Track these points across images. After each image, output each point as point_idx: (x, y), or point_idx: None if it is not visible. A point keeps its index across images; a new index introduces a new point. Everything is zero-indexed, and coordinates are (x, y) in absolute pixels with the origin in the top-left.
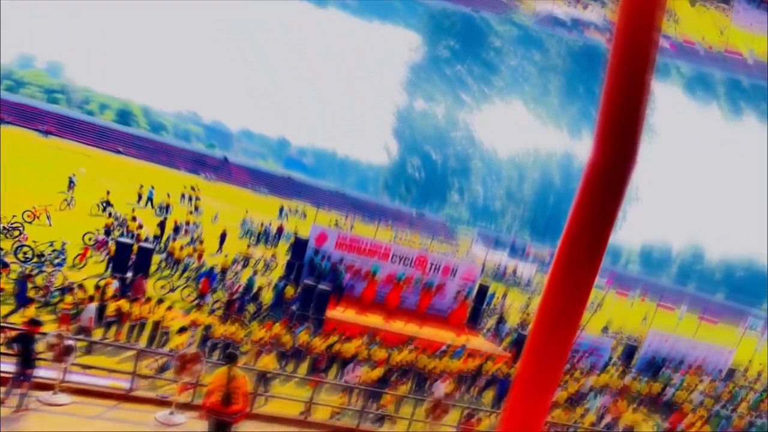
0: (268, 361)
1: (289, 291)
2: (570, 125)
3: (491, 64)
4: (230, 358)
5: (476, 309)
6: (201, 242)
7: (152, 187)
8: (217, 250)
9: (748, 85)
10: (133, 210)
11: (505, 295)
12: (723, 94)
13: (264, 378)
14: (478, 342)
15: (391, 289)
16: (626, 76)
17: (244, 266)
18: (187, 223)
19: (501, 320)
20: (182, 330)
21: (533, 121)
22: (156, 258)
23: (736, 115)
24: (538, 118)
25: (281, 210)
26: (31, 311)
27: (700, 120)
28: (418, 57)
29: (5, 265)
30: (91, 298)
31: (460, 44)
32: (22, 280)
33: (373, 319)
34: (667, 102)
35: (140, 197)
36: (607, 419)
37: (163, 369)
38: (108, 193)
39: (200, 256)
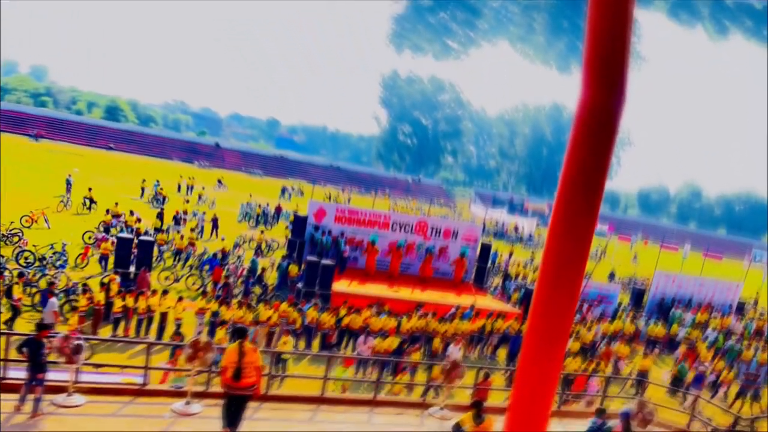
0: (285, 342)
1: (293, 269)
2: (558, 63)
3: (474, 8)
4: (239, 333)
5: (481, 269)
6: (191, 230)
7: (157, 181)
8: (210, 235)
9: (732, 3)
10: (134, 217)
11: (511, 255)
12: (707, 15)
13: (279, 359)
14: (486, 301)
15: (392, 257)
16: (609, 6)
17: (257, 253)
18: (185, 213)
19: (507, 277)
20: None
21: (520, 68)
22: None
23: (722, 35)
24: (526, 58)
25: (284, 190)
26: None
27: (687, 44)
28: (401, 8)
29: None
30: (51, 293)
31: None
32: (45, 291)
33: (380, 289)
34: (652, 28)
35: (143, 191)
36: (621, 366)
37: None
38: (90, 190)
39: (192, 244)
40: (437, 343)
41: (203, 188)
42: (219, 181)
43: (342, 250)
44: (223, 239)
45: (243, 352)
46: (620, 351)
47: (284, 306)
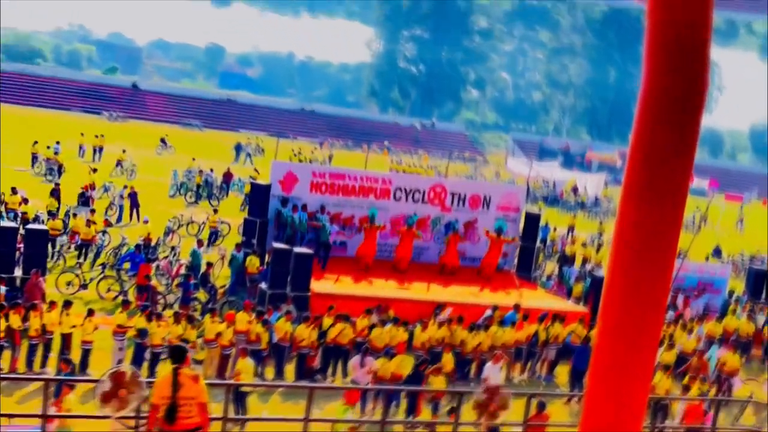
0: (242, 368)
1: (253, 263)
2: None
3: None
4: (175, 356)
5: (526, 251)
6: (105, 213)
7: (57, 143)
8: (130, 219)
9: None
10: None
11: (571, 229)
12: None
13: (237, 394)
14: (537, 298)
15: (400, 239)
16: None
17: (201, 241)
18: (92, 187)
19: (564, 261)
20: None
21: None
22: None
23: None
24: None
25: (238, 148)
26: None
27: None
28: None
29: None
30: None
31: None
32: None
33: (381, 286)
34: None
35: (35, 159)
36: (736, 384)
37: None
38: None
39: (104, 233)
40: (462, 355)
41: (124, 151)
42: (163, 141)
43: (327, 231)
44: (145, 222)
45: (179, 382)
46: (731, 362)
47: (242, 317)
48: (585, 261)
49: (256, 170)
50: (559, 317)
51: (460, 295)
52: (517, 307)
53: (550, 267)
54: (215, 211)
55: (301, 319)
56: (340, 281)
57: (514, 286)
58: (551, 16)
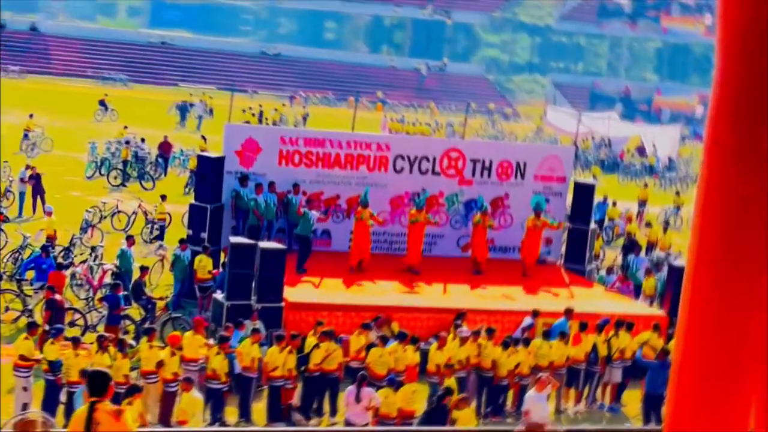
0: (187, 407)
1: (204, 265)
2: None
3: None
4: (93, 386)
5: (577, 235)
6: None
7: None
8: (34, 211)
9: None
10: None
11: (642, 204)
12: None
13: None
14: (594, 297)
15: (409, 225)
16: None
17: (131, 238)
18: None
19: (630, 248)
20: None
21: None
22: None
23: None
24: None
25: (183, 109)
26: None
27: None
28: None
29: None
30: None
31: None
32: None
33: (380, 291)
34: None
35: None
36: None
37: None
38: None
39: None
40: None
41: (31, 116)
42: (102, 103)
43: (309, 220)
44: (48, 213)
45: (94, 420)
46: None
47: (191, 339)
48: (654, 246)
49: (203, 138)
50: (625, 324)
51: (488, 298)
52: (568, 313)
53: (611, 256)
54: (163, 197)
55: (273, 340)
56: (324, 286)
57: (562, 284)
58: None
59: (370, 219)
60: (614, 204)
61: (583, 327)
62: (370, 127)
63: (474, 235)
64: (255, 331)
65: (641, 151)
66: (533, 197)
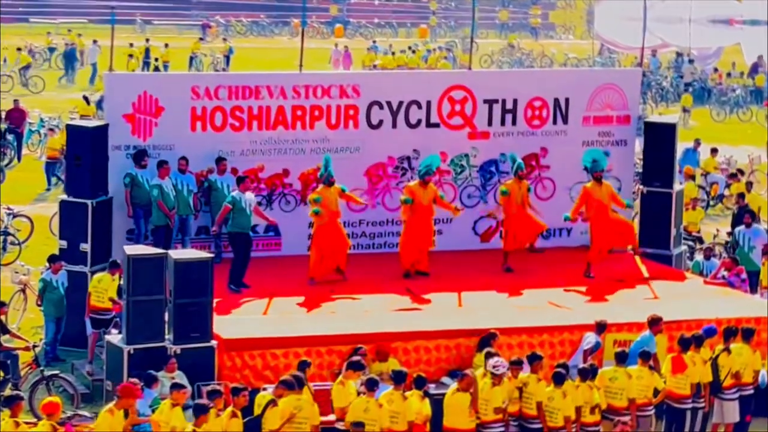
0: None
1: (104, 287)
2: None
3: None
4: None
5: (656, 202)
6: None
7: None
8: None
9: None
10: None
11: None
12: None
13: None
14: (689, 295)
15: (405, 208)
16: None
17: None
18: None
19: (740, 216)
20: None
21: None
22: None
23: None
24: None
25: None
26: None
27: None
28: None
29: None
30: None
31: None
32: None
33: (364, 311)
34: None
35: None
36: None
37: None
38: None
39: None
40: None
41: None
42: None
43: (245, 213)
44: None
45: None
46: None
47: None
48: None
49: (85, 99)
50: (740, 332)
51: (527, 309)
52: (653, 323)
53: (710, 231)
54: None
55: (208, 398)
56: (275, 310)
57: (639, 279)
58: None
59: (338, 199)
60: (713, 151)
61: (687, 343)
62: (326, 61)
63: (506, 212)
64: (175, 387)
65: (755, 69)
66: (587, 152)
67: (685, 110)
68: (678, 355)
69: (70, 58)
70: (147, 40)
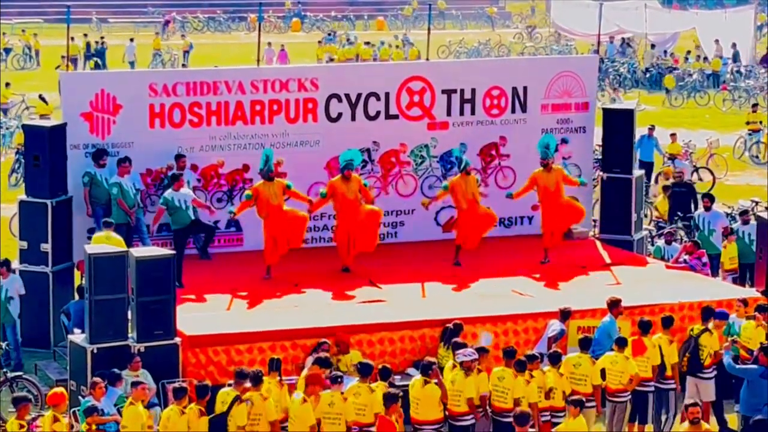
0: None
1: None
2: None
3: None
4: None
5: (616, 188)
6: None
7: None
8: None
9: None
10: None
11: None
12: None
13: None
14: (650, 280)
15: (335, 201)
16: None
17: None
18: None
19: (693, 198)
20: None
21: None
22: None
23: None
24: None
25: None
26: None
27: None
28: None
29: None
30: None
31: None
32: None
33: (325, 304)
34: None
35: None
36: None
37: None
38: None
39: None
40: None
41: None
42: None
43: (176, 206)
44: None
45: None
46: None
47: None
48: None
49: (42, 99)
50: (706, 313)
51: (490, 298)
52: (613, 305)
53: (663, 210)
54: None
55: (166, 397)
56: (238, 305)
57: (602, 265)
58: None
59: (280, 194)
60: (673, 136)
61: (647, 329)
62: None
63: (457, 207)
64: (136, 384)
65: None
66: (543, 138)
67: (668, 91)
68: (638, 339)
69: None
70: (102, 39)
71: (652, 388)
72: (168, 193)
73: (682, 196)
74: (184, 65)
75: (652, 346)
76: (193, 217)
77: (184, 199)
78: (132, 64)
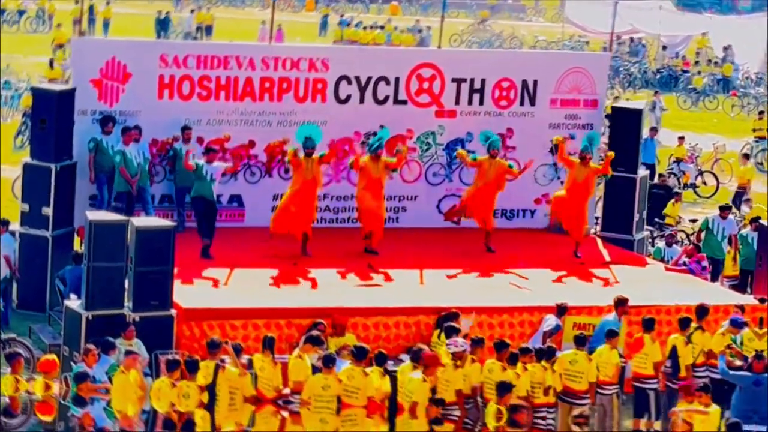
0: None
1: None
2: None
3: None
4: None
5: (620, 187)
6: None
7: None
8: None
9: None
10: None
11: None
12: None
13: None
14: (650, 280)
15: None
16: None
17: None
18: None
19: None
20: None
21: None
22: None
23: None
24: None
25: None
26: None
27: None
28: None
29: None
30: None
31: None
32: None
33: (324, 285)
34: None
35: None
36: None
37: None
38: None
39: None
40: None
41: None
42: None
43: (203, 176)
44: None
45: None
46: None
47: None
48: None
49: (51, 63)
50: (700, 311)
51: (487, 288)
52: (619, 303)
53: (674, 216)
54: None
55: (161, 369)
56: (237, 281)
57: (601, 262)
58: None
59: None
60: (680, 139)
61: (649, 324)
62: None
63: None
64: (129, 354)
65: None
66: (589, 134)
67: (697, 92)
68: (639, 336)
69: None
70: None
71: (654, 385)
72: (200, 161)
73: (660, 198)
74: (195, 38)
75: (651, 343)
76: (213, 195)
77: (218, 169)
78: (187, 35)
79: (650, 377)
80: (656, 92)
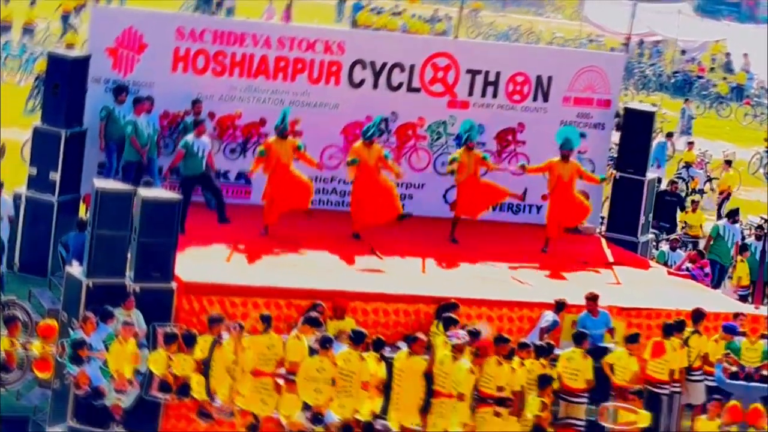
0: None
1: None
2: None
3: None
4: None
5: (629, 188)
6: None
7: None
8: None
9: None
10: None
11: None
12: None
13: None
14: (651, 283)
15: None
16: None
17: None
18: None
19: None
20: None
21: None
22: None
23: None
24: None
25: None
26: None
27: None
28: None
29: None
30: None
31: None
32: None
33: (325, 268)
34: None
35: None
36: None
37: None
38: None
39: None
40: None
41: None
42: None
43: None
44: None
45: None
46: None
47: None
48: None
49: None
50: (697, 315)
51: (488, 281)
52: (589, 299)
53: (697, 224)
54: None
55: (159, 341)
56: (240, 258)
57: (604, 263)
58: None
59: (291, 153)
60: (689, 144)
61: (669, 330)
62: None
63: (457, 180)
64: (126, 325)
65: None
66: (561, 130)
67: (710, 98)
68: (660, 341)
69: None
70: None
71: (667, 391)
72: (189, 137)
73: (671, 205)
74: (213, 13)
75: (672, 350)
76: (203, 169)
77: (203, 147)
78: (230, 10)
79: (665, 382)
80: (686, 100)
